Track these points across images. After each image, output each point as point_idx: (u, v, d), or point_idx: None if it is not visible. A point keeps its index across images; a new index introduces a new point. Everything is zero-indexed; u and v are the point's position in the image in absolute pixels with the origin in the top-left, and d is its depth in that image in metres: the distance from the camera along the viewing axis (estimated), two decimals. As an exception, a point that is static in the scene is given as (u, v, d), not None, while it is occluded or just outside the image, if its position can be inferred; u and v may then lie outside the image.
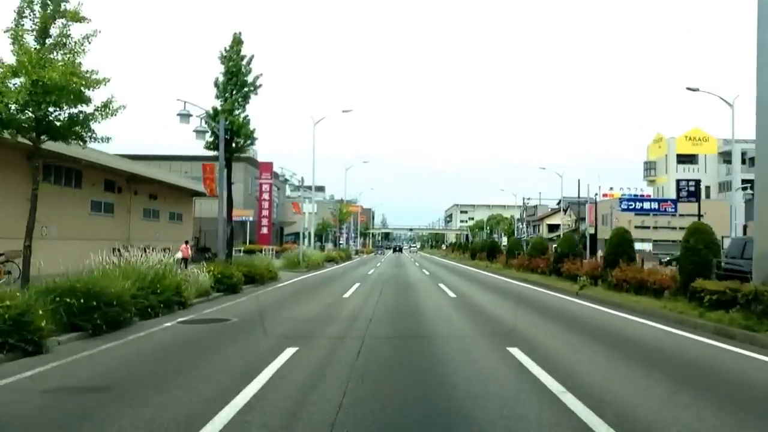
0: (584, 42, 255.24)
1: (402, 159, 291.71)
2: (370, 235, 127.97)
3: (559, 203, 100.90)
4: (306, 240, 71.31)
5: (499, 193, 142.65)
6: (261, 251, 44.58)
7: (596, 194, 65.11)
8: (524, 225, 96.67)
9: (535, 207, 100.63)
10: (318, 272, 30.40)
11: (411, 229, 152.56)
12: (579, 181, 64.23)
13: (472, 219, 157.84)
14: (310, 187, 42.03)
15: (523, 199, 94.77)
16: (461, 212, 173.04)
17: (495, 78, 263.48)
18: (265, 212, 50.61)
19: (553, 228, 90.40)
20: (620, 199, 61.84)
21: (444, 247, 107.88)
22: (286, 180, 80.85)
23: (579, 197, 65.14)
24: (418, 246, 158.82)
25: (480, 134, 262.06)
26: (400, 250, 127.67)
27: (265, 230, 50.31)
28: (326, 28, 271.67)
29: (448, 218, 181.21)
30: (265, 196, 50.60)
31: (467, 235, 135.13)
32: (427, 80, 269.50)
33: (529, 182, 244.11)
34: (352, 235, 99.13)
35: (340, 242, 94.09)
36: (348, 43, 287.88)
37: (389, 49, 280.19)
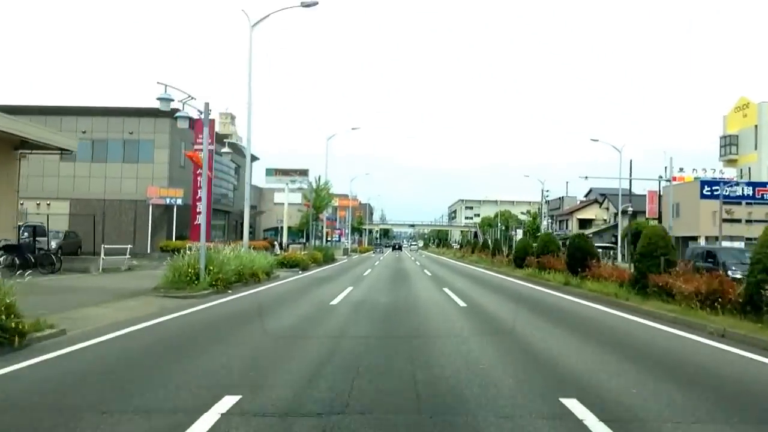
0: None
1: (402, 157, 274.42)
2: (366, 231, 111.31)
3: (588, 194, 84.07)
4: (283, 235, 54.73)
5: (507, 190, 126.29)
6: (178, 251, 27.80)
7: (661, 178, 48.53)
8: (547, 220, 79.41)
9: (561, 199, 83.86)
10: (223, 299, 13.75)
11: (413, 225, 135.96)
12: (631, 162, 45.77)
13: (478, 215, 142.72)
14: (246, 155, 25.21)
15: (542, 190, 78.15)
16: (466, 208, 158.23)
17: (509, 61, 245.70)
18: (201, 193, 33.75)
19: (584, 223, 73.60)
20: (700, 181, 45.19)
21: (456, 246, 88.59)
22: (255, 157, 64.12)
23: (631, 177, 48.14)
24: (421, 244, 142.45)
25: (486, 129, 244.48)
26: (400, 248, 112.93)
27: (201, 219, 33.46)
28: (331, 39, 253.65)
29: (452, 214, 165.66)
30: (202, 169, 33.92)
31: (476, 232, 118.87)
32: (430, 73, 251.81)
33: (548, 179, 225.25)
34: (346, 231, 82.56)
35: (332, 239, 77.48)
36: (345, 39, 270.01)
37: (390, 43, 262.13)
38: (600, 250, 50.63)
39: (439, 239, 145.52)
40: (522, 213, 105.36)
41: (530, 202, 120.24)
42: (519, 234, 79.32)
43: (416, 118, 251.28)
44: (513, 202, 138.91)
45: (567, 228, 77.16)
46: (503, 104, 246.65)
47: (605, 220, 72.09)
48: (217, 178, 41.27)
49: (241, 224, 54.65)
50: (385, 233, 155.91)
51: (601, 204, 72.28)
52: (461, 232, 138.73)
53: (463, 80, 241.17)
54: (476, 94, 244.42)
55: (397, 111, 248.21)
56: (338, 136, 77.60)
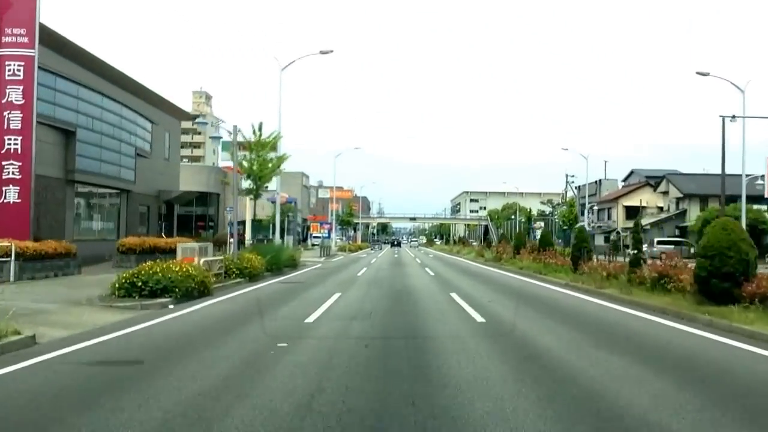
0: None
1: (402, 157, 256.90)
2: (360, 226, 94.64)
3: (627, 178, 67.63)
4: (246, 230, 38.62)
5: (511, 181, 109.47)
6: None
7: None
8: (590, 207, 62.61)
9: (598, 183, 67.28)
10: None
11: (413, 218, 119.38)
12: (724, 119, 28.49)
13: (484, 208, 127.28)
14: None
15: (567, 176, 62.07)
16: (471, 201, 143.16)
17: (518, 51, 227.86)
18: (12, 143, 16.97)
19: (633, 212, 57.00)
20: None
21: (475, 243, 67.02)
22: (201, 121, 47.35)
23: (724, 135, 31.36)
24: (423, 240, 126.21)
25: (487, 129, 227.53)
26: (399, 244, 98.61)
27: (12, 195, 16.80)
28: (330, 38, 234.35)
29: (456, 207, 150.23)
30: (15, 95, 16.95)
31: (487, 227, 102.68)
32: (430, 73, 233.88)
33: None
34: (336, 225, 65.85)
35: (319, 234, 60.76)
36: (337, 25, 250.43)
37: (390, 42, 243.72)
38: (670, 247, 34.40)
39: (441, 234, 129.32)
40: (542, 202, 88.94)
41: (541, 194, 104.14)
42: (540, 227, 62.87)
43: (416, 118, 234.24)
44: (522, 193, 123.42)
45: (610, 218, 60.62)
46: (503, 104, 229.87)
47: (661, 208, 55.71)
48: (97, 133, 24.64)
49: (167, 210, 36.98)
50: (383, 228, 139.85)
51: (655, 188, 55.74)
52: (466, 225, 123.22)
53: (463, 80, 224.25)
54: (476, 93, 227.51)
55: (397, 111, 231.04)
56: (300, 67, 60.69)
